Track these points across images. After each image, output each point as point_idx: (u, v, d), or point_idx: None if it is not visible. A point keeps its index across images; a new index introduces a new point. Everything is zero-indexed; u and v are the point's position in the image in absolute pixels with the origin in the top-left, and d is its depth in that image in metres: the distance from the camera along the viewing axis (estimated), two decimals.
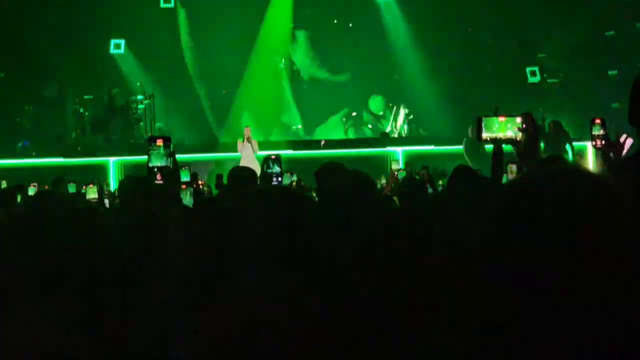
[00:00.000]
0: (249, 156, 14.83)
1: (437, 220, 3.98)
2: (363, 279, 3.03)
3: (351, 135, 19.41)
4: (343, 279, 2.90)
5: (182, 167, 9.07)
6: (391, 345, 2.58)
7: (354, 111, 19.70)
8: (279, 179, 4.61)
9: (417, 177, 8.36)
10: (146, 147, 3.14)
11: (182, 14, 19.42)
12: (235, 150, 15.62)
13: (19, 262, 3.35)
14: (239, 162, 14.14)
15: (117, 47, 18.47)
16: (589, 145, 12.42)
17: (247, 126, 16.43)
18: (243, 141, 15.57)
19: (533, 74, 18.24)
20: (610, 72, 17.32)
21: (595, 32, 17.40)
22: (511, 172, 4.72)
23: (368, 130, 19.65)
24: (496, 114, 3.58)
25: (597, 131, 3.52)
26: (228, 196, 4.76)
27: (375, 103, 19.69)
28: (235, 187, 4.52)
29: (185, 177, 8.42)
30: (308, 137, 19.39)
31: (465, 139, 14.57)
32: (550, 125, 14.78)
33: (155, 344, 2.76)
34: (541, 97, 17.20)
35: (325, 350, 2.63)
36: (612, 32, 17.41)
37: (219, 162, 15.57)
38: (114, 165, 15.78)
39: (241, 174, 4.84)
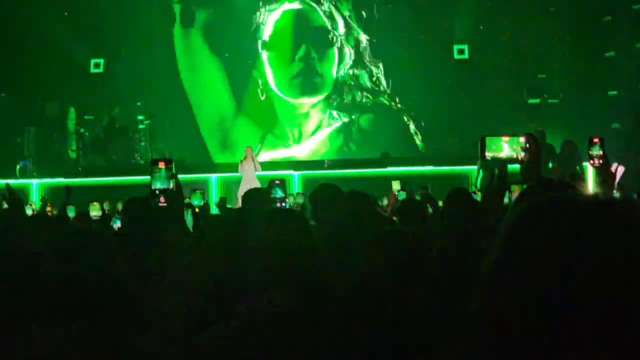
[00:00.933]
0: (251, 176, 14.77)
1: (434, 239, 4.00)
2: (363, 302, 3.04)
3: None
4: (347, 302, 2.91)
5: (194, 190, 9.04)
6: None
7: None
8: (282, 203, 4.58)
9: (418, 197, 8.33)
10: (149, 169, 3.14)
11: (178, 34, 19.43)
12: (235, 171, 15.56)
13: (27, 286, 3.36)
14: (239, 182, 14.13)
15: (97, 66, 18.14)
16: (588, 165, 12.19)
17: (248, 146, 16.24)
18: (243, 161, 15.47)
19: (531, 95, 18.29)
20: (610, 93, 17.21)
21: (595, 52, 17.39)
22: (514, 192, 4.67)
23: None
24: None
25: (596, 151, 3.51)
26: (242, 217, 4.73)
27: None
28: (252, 208, 4.52)
29: (198, 200, 8.37)
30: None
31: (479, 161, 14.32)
32: (565, 145, 14.65)
33: None
34: (542, 117, 17.18)
35: None
36: (612, 53, 17.35)
37: (220, 182, 15.56)
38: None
39: (256, 194, 4.84)
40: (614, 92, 17.14)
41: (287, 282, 2.83)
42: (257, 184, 12.88)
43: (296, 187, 15.43)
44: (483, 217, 3.92)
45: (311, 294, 2.81)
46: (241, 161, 15.61)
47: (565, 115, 17.45)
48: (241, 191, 11.83)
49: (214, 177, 16.36)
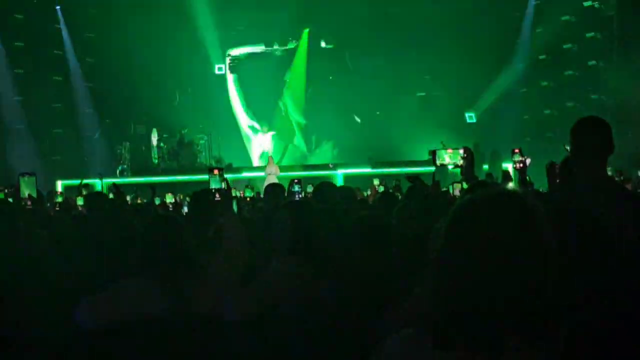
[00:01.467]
0: (271, 177, 14.47)
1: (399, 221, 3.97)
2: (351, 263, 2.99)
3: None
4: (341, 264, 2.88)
5: (246, 186, 9.03)
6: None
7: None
8: (300, 195, 4.63)
9: (391, 190, 8.25)
10: (208, 174, 3.16)
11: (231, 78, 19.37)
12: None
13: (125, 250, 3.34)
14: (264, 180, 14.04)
15: (173, 99, 18.18)
16: (510, 167, 12.07)
17: (270, 155, 16.18)
18: (267, 166, 15.38)
19: (470, 117, 18.05)
20: (524, 117, 16.90)
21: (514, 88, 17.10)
22: (455, 189, 4.65)
23: None
24: (444, 147, 3.63)
25: (517, 158, 3.43)
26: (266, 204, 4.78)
27: None
28: (273, 196, 4.57)
29: (248, 193, 8.41)
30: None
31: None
32: (492, 154, 14.60)
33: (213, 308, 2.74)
34: (477, 133, 16.80)
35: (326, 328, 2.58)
36: (524, 89, 17.00)
37: (252, 180, 15.18)
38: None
39: (275, 188, 4.90)
40: (526, 117, 16.93)
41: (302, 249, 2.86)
42: (276, 180, 12.70)
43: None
44: (431, 203, 3.93)
45: (317, 254, 2.89)
46: (265, 166, 15.54)
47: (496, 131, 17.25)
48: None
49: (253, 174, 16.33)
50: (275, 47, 19.03)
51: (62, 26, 16.89)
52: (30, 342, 2.80)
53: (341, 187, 4.51)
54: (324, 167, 16.85)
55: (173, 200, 8.38)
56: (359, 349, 2.25)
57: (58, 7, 16.91)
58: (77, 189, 8.56)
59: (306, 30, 18.83)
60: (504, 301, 1.22)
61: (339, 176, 15.61)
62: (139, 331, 2.71)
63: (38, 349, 2.81)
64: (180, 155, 16.81)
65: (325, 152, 19.00)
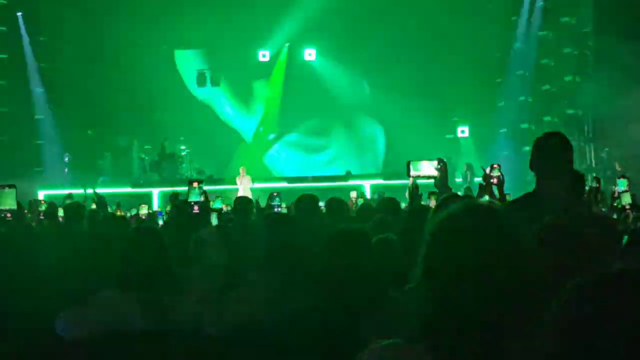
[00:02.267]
0: (245, 188, 14.13)
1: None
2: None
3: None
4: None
5: (217, 196, 8.96)
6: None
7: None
8: (279, 208, 4.65)
9: (371, 202, 8.32)
10: (187, 187, 3.16)
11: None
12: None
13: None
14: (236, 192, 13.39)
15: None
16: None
17: (242, 167, 15.43)
18: (238, 178, 14.81)
19: (462, 131, 18.07)
20: (501, 130, 17.07)
21: (491, 103, 17.30)
22: (431, 199, 4.71)
23: None
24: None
25: (496, 173, 3.41)
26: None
27: None
28: (241, 209, 4.54)
29: (218, 204, 8.38)
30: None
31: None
32: (466, 167, 14.90)
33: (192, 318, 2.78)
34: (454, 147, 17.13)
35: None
36: (502, 103, 17.26)
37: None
38: (158, 194, 15.54)
39: (243, 200, 4.86)
40: (504, 129, 17.13)
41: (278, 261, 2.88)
42: (250, 193, 12.42)
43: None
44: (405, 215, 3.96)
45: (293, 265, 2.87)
46: (237, 177, 14.92)
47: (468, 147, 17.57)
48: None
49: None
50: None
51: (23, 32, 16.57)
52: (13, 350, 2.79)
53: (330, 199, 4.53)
54: (304, 179, 16.65)
55: (146, 212, 8.36)
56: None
57: (19, 14, 16.53)
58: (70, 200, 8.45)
59: (286, 45, 18.50)
60: (494, 307, 1.26)
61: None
62: (119, 343, 2.72)
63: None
64: (162, 166, 16.59)
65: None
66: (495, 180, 3.59)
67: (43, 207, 6.26)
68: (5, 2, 16.17)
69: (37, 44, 16.73)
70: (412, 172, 3.52)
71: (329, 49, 18.08)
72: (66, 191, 11.99)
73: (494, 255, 1.28)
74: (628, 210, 4.62)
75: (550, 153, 2.97)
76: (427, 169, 3.50)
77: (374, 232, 2.91)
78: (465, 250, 1.30)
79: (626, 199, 4.64)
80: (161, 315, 2.77)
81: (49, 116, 16.75)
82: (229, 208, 7.27)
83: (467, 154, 16.28)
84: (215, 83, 18.29)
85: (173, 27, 16.71)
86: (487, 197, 3.43)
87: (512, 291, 1.26)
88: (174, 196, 8.32)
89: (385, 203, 4.27)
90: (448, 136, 17.93)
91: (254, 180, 14.98)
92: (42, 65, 16.74)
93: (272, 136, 18.86)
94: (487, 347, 1.27)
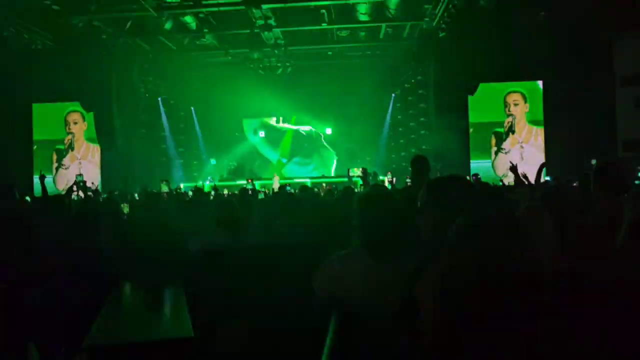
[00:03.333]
0: (276, 182, 18.29)
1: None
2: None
3: None
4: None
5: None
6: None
7: None
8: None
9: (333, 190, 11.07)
10: (246, 181, 5.57)
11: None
12: None
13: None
14: None
15: None
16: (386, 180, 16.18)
17: (275, 174, 21.27)
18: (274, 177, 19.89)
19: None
20: (392, 156, 22.30)
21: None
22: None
23: None
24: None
25: (389, 177, 4.83)
26: None
27: None
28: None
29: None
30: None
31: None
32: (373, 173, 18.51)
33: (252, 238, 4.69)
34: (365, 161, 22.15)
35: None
36: (392, 143, 22.74)
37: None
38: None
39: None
40: (393, 156, 21.93)
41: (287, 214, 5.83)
42: (277, 185, 17.02)
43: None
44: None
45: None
46: (273, 177, 20.40)
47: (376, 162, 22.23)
48: None
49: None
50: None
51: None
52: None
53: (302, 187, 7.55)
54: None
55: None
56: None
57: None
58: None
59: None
60: (386, 230, 2.13)
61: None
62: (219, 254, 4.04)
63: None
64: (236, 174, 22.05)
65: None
66: (388, 180, 5.96)
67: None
68: None
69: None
70: (350, 174, 6.54)
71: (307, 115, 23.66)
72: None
73: (384, 207, 2.18)
74: None
75: (419, 164, 4.68)
76: (357, 172, 6.50)
77: (335, 201, 5.88)
78: (373, 208, 2.19)
79: None
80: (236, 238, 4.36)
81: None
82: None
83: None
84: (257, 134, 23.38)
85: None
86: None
87: (392, 218, 2.18)
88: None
89: (344, 189, 7.00)
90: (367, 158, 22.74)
91: (280, 180, 19.23)
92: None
93: (284, 160, 24.29)
94: (388, 245, 2.06)
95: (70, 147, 19.89)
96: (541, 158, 18.15)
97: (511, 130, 18.93)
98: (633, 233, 1.86)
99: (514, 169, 5.15)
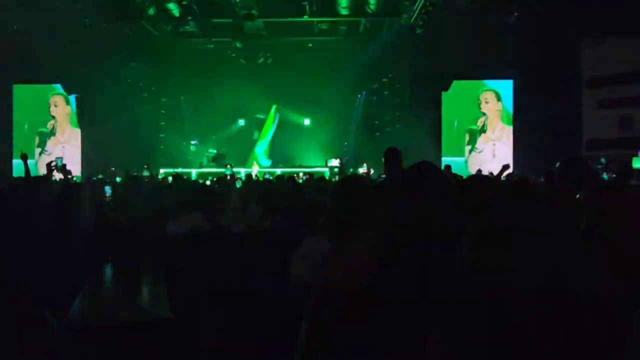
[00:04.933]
0: (254, 170, 17.76)
1: None
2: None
3: None
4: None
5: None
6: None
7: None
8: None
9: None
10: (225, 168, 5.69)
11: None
12: None
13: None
14: None
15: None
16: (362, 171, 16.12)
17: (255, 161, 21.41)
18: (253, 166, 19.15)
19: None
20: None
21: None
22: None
23: None
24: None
25: (365, 168, 5.43)
26: None
27: None
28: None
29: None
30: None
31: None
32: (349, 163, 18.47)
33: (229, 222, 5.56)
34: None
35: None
36: (377, 122, 20.93)
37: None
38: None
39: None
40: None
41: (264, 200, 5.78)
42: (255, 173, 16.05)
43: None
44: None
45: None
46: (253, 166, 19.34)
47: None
48: None
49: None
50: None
51: None
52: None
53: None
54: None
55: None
56: None
57: None
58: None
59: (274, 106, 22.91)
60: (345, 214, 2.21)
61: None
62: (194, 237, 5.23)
63: None
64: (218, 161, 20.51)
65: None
66: (365, 171, 6.35)
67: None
68: None
69: None
70: (329, 164, 6.69)
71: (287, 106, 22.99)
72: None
73: (355, 192, 2.27)
74: None
75: (391, 156, 5.01)
76: (334, 162, 6.69)
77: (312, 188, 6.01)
78: (345, 194, 2.27)
79: None
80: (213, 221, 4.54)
81: None
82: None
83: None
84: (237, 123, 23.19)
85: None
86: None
87: (360, 202, 2.26)
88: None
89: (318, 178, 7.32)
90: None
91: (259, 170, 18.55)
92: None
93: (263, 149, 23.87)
94: (351, 225, 2.11)
95: (53, 131, 19.52)
96: (511, 156, 18.44)
97: (483, 130, 19.18)
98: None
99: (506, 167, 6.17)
